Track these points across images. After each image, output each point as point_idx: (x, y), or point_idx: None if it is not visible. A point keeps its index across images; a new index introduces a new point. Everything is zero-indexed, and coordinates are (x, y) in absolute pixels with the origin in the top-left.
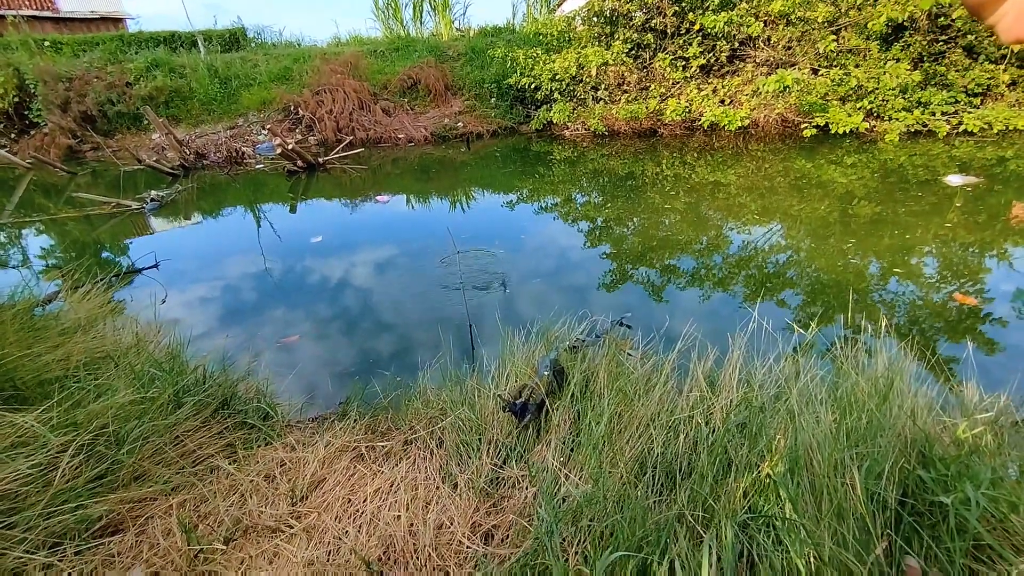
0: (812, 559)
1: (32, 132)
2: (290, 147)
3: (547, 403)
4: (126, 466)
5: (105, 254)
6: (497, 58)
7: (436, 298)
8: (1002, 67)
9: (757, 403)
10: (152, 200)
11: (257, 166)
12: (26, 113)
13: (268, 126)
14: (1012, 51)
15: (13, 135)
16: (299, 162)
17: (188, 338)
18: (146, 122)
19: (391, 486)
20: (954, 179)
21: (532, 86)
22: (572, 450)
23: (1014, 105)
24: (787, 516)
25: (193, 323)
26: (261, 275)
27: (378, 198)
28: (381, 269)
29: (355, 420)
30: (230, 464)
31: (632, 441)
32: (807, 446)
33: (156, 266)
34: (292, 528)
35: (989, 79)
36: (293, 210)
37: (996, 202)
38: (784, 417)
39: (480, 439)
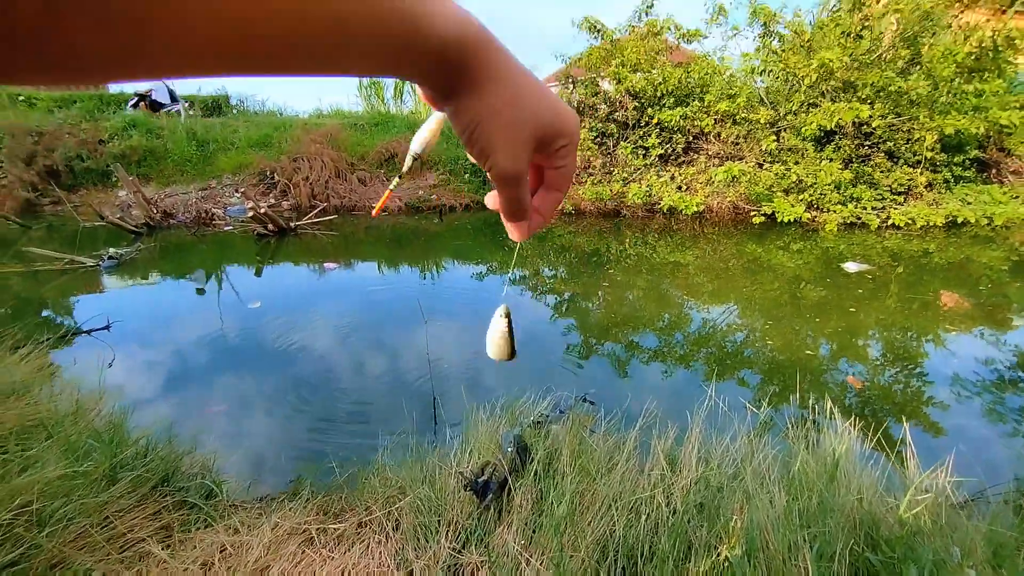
0: None
1: None
2: (262, 210)
3: (510, 481)
4: (44, 551)
5: (50, 313)
6: None
7: (400, 369)
8: (919, 171)
9: (715, 483)
10: (109, 258)
11: (226, 227)
12: None
13: (242, 189)
14: (926, 157)
15: None
16: (270, 226)
17: (133, 406)
18: (114, 179)
19: (342, 574)
20: (851, 266)
21: None
22: (534, 531)
23: (932, 204)
24: None
25: (141, 389)
26: (217, 340)
27: (326, 265)
28: (344, 337)
29: (307, 499)
30: (164, 550)
31: (594, 523)
32: (762, 527)
33: (108, 327)
34: None
35: (909, 180)
36: (259, 273)
37: (926, 290)
38: (740, 497)
39: (439, 520)
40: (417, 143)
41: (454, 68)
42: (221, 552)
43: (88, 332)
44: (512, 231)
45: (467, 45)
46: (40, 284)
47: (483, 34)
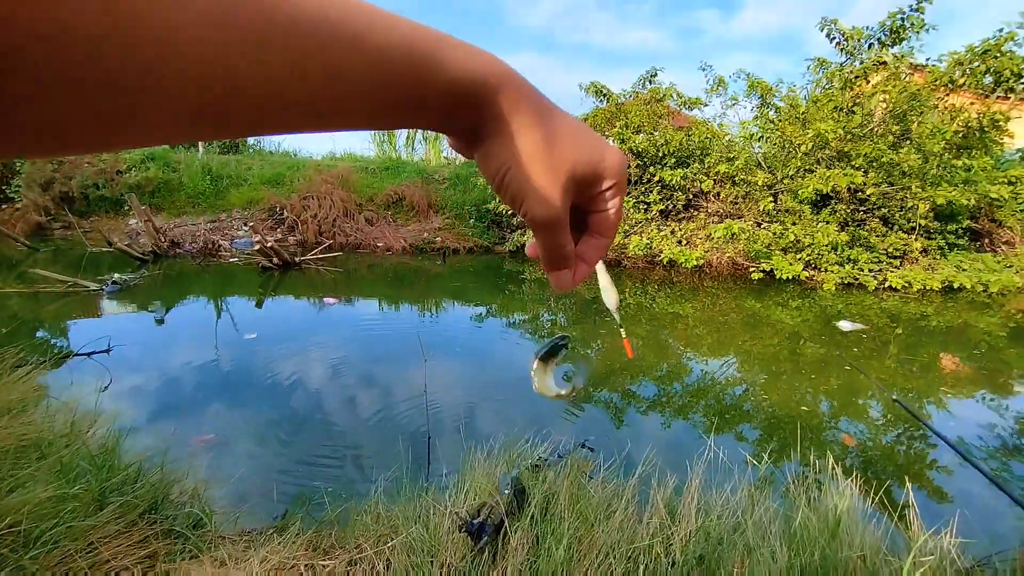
0: None
1: (3, 206)
2: (268, 244)
3: (506, 524)
4: (28, 573)
5: (46, 335)
6: (479, 185)
7: (396, 407)
8: (913, 236)
9: (715, 535)
10: (113, 283)
11: (231, 259)
12: (3, 188)
13: (250, 223)
14: (920, 224)
15: None
16: (275, 259)
17: (127, 430)
18: (127, 208)
19: None
20: (845, 324)
21: (509, 212)
22: None
23: (927, 268)
24: None
25: (136, 414)
26: (213, 368)
27: (326, 300)
28: (341, 372)
29: (297, 534)
30: None
31: (591, 571)
32: None
33: (108, 351)
34: None
35: (904, 245)
36: (260, 305)
37: (926, 353)
38: (741, 550)
39: (432, 562)
40: (610, 299)
41: (477, 111)
42: None
43: (88, 355)
44: (554, 281)
45: (489, 86)
46: (40, 305)
47: (508, 74)
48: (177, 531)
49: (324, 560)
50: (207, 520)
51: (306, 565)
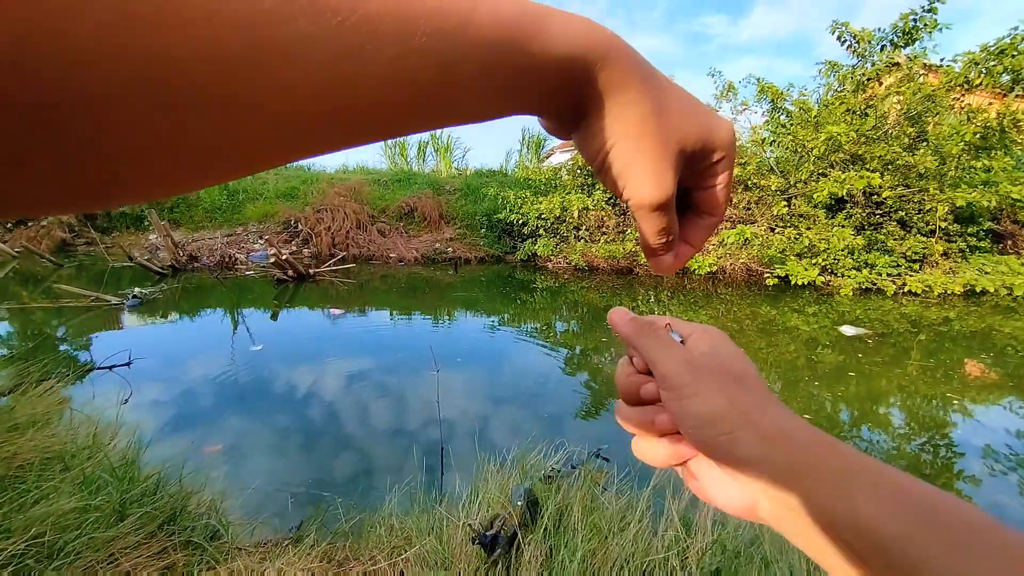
0: None
1: (29, 223)
2: (283, 257)
3: (519, 536)
4: None
5: (69, 348)
6: (489, 195)
7: (409, 418)
8: (934, 240)
9: (732, 548)
10: (134, 297)
11: (247, 272)
12: None
13: (266, 236)
14: (939, 227)
15: (9, 225)
16: (290, 272)
17: (147, 442)
18: (147, 223)
19: None
20: (848, 329)
21: (520, 222)
22: None
23: (948, 272)
24: None
25: (156, 426)
26: (230, 380)
27: (332, 311)
28: (354, 383)
29: (311, 546)
30: None
31: None
32: None
33: (128, 364)
34: None
35: (923, 248)
36: (275, 317)
37: (948, 358)
38: (759, 564)
39: (446, 574)
40: None
41: (581, 87)
42: None
43: (110, 368)
44: (656, 266)
45: (594, 59)
46: (64, 319)
47: (612, 42)
48: (195, 542)
49: (338, 571)
50: (224, 531)
51: None
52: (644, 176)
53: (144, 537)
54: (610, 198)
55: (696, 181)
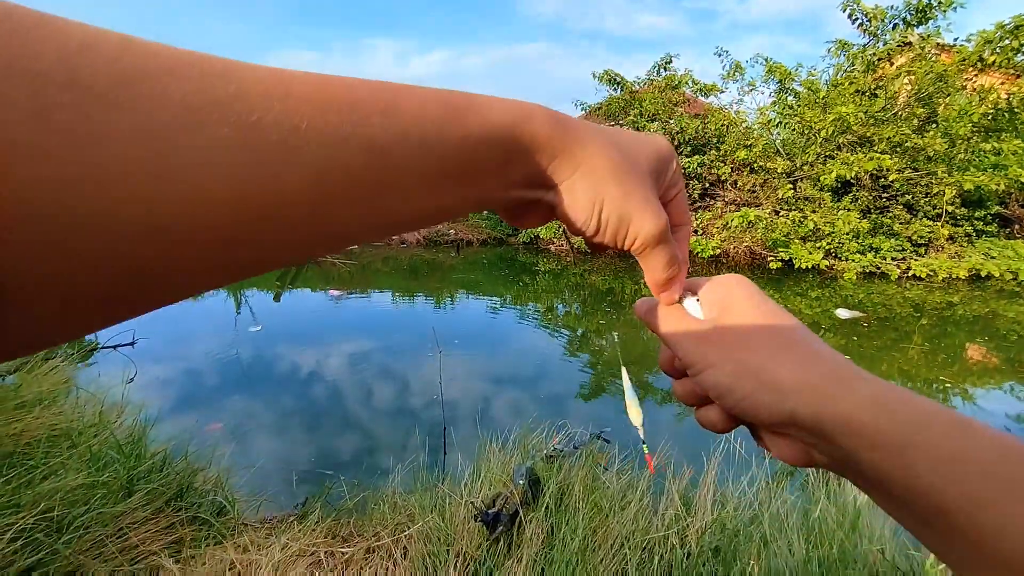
0: None
1: None
2: None
3: (521, 514)
4: (62, 557)
5: None
6: None
7: (411, 398)
8: (939, 223)
9: (731, 526)
10: None
11: None
12: None
13: None
14: (946, 211)
15: None
16: None
17: (153, 420)
18: None
19: None
20: (843, 313)
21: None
22: (544, 567)
23: (953, 256)
24: None
25: (161, 405)
26: (233, 360)
27: (331, 292)
28: (356, 364)
29: (316, 522)
30: (175, 564)
31: (606, 561)
32: (780, 575)
33: (133, 344)
34: None
35: (929, 232)
36: (277, 299)
37: (950, 343)
38: (757, 543)
39: (448, 550)
40: (634, 416)
41: (531, 156)
42: (230, 570)
43: (114, 347)
44: (667, 297)
45: (535, 122)
46: None
47: (540, 107)
48: (202, 518)
49: (343, 547)
50: (230, 507)
51: (326, 552)
52: (642, 214)
53: (152, 513)
54: None
55: (664, 196)
